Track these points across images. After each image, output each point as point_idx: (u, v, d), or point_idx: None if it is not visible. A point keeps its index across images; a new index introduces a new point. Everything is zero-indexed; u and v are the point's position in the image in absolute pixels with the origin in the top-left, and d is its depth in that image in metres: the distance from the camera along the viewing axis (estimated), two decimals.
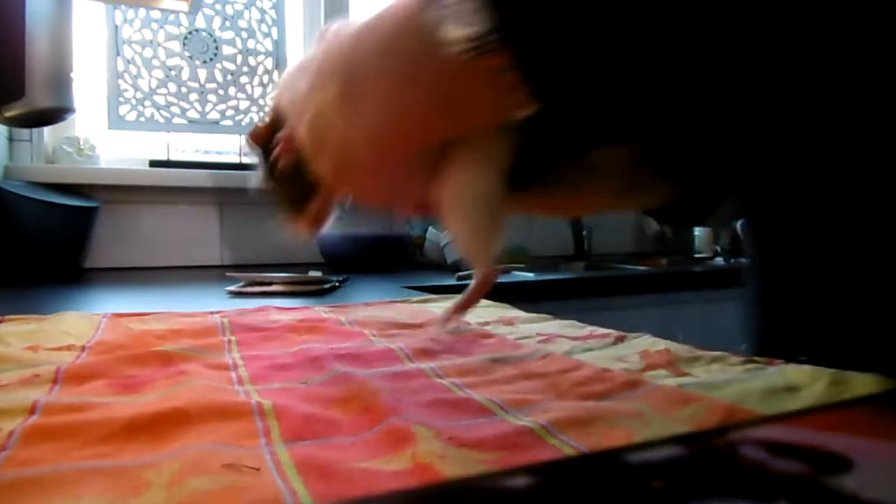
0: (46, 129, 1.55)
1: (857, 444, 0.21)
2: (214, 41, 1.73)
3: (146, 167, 1.63)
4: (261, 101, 1.77)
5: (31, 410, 0.36)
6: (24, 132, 1.50)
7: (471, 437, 0.32)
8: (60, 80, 1.02)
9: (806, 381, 0.39)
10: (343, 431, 0.34)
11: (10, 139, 1.50)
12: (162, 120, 1.68)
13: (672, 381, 0.42)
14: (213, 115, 1.73)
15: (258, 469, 0.28)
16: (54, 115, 1.06)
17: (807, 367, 0.42)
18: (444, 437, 0.31)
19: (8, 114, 0.97)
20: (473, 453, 0.30)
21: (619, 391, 0.40)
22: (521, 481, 0.19)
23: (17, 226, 1.28)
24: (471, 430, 0.33)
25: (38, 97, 0.97)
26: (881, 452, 0.20)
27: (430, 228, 1.65)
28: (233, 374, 0.46)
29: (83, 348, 0.54)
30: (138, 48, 1.66)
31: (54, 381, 0.43)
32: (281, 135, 0.42)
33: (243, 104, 1.75)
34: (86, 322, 0.66)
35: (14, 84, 0.90)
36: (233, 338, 0.58)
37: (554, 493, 0.18)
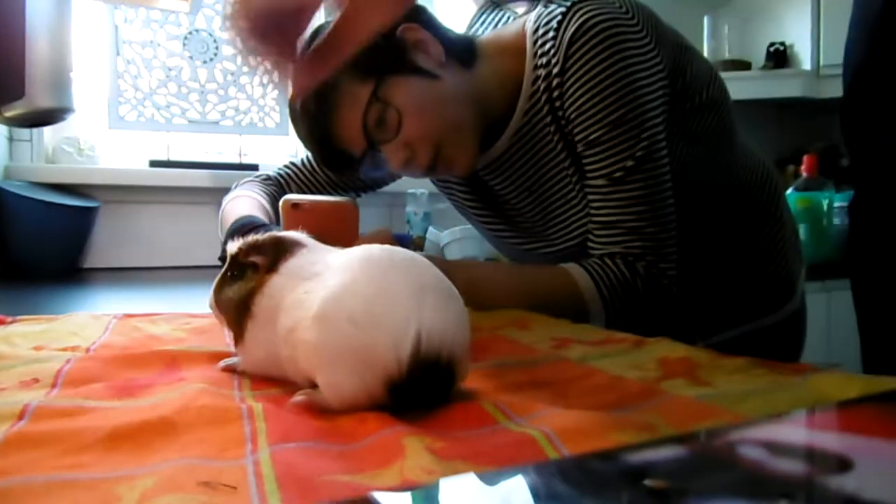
0: (46, 129, 1.55)
1: (857, 444, 0.21)
2: (214, 41, 1.73)
3: (146, 167, 1.63)
4: (261, 101, 1.77)
5: (20, 416, 0.35)
6: (24, 132, 1.50)
7: (465, 449, 0.30)
8: (60, 80, 1.02)
9: (836, 391, 0.37)
10: (332, 439, 0.33)
11: (10, 139, 1.49)
12: (162, 120, 1.68)
13: (690, 392, 0.39)
14: (213, 115, 1.73)
15: (235, 488, 0.27)
16: (54, 115, 1.06)
17: (836, 375, 0.39)
18: (436, 449, 0.30)
19: (8, 114, 0.97)
20: (466, 466, 0.29)
21: (632, 401, 0.38)
22: (521, 481, 0.19)
23: (17, 226, 1.28)
24: (467, 440, 0.32)
25: (38, 97, 0.97)
26: (881, 452, 0.20)
27: (430, 228, 1.65)
28: (235, 380, 0.45)
29: (88, 350, 0.53)
30: (138, 48, 1.66)
31: (53, 384, 0.43)
32: None
33: (243, 104, 1.75)
34: (95, 323, 0.65)
35: (14, 84, 0.90)
36: None
37: (554, 493, 0.18)
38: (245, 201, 0.93)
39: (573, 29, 0.72)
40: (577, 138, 0.75)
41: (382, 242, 0.65)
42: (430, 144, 0.76)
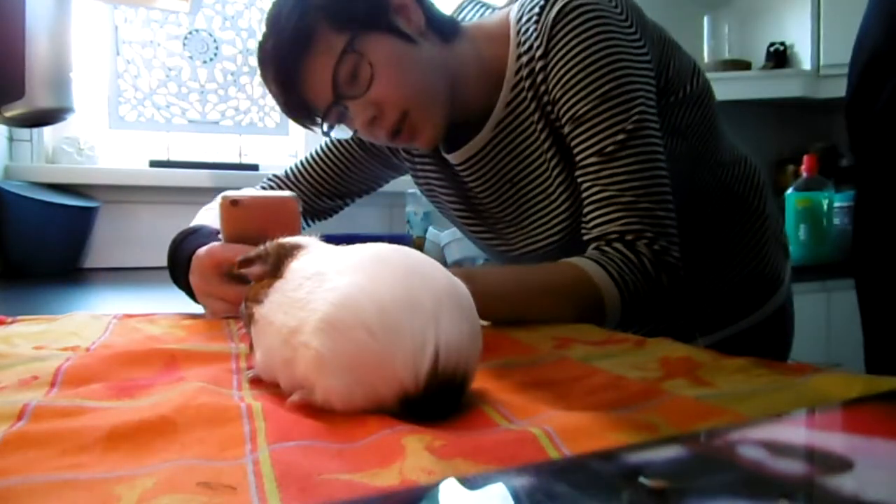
0: (46, 129, 1.55)
1: (857, 444, 0.21)
2: (214, 41, 1.73)
3: (146, 167, 1.63)
4: (261, 101, 1.77)
5: (20, 416, 0.35)
6: (24, 132, 1.50)
7: (465, 448, 0.30)
8: (60, 80, 1.02)
9: (837, 391, 0.36)
10: (332, 438, 0.33)
11: (10, 139, 1.49)
12: (162, 120, 1.68)
13: (691, 392, 0.39)
14: (213, 115, 1.73)
15: (234, 488, 0.27)
16: (54, 115, 1.06)
17: (837, 375, 0.39)
18: (435, 449, 0.30)
19: (8, 114, 0.97)
20: (466, 465, 0.29)
21: (634, 401, 0.38)
22: (521, 481, 0.19)
23: (16, 226, 1.28)
24: (467, 439, 0.32)
25: (38, 97, 0.97)
26: (881, 452, 0.20)
27: (431, 228, 1.65)
28: (234, 379, 0.45)
29: (87, 349, 0.53)
30: (138, 48, 1.66)
31: (52, 384, 0.43)
32: None
33: (243, 104, 1.75)
34: (95, 323, 0.65)
35: (14, 84, 0.90)
36: (241, 344, 0.57)
37: (554, 493, 0.18)
38: (207, 213, 0.94)
39: (555, 11, 0.72)
40: (565, 117, 0.73)
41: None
42: (398, 107, 0.74)
